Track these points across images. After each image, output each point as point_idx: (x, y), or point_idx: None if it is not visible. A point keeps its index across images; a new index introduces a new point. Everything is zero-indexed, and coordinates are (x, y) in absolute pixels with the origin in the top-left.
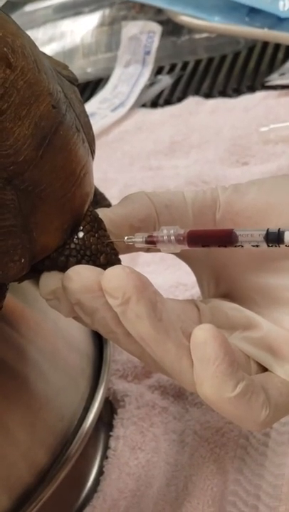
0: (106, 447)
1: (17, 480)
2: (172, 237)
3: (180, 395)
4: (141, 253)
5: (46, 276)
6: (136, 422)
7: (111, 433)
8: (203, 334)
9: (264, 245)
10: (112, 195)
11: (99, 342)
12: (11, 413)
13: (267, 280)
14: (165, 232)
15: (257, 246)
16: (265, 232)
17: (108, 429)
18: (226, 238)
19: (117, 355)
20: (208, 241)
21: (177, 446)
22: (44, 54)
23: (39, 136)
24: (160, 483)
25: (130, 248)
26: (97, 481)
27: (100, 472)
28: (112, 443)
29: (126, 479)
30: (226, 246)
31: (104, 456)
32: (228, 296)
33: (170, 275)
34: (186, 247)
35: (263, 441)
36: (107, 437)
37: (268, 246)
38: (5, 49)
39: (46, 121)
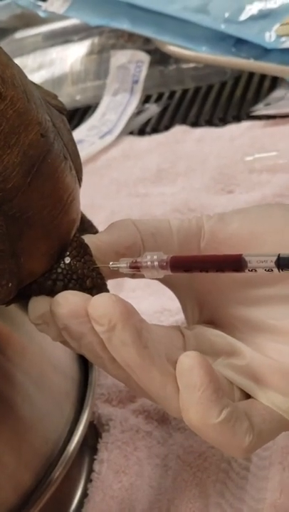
0: (90, 470)
1: (2, 501)
2: (156, 263)
3: (164, 419)
4: (126, 279)
5: (35, 300)
6: (120, 445)
7: (95, 456)
8: (189, 361)
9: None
10: (99, 221)
11: (84, 366)
12: None
13: (249, 307)
14: (149, 258)
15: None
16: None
17: (92, 453)
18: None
19: (102, 380)
20: (192, 266)
21: (160, 470)
22: (34, 84)
23: (27, 164)
24: (143, 506)
25: (115, 274)
26: (81, 504)
27: (84, 495)
28: (96, 466)
29: (110, 502)
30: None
31: (89, 479)
32: (212, 322)
33: (155, 301)
34: (169, 272)
35: (245, 466)
36: (92, 460)
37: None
38: None
39: (35, 149)
